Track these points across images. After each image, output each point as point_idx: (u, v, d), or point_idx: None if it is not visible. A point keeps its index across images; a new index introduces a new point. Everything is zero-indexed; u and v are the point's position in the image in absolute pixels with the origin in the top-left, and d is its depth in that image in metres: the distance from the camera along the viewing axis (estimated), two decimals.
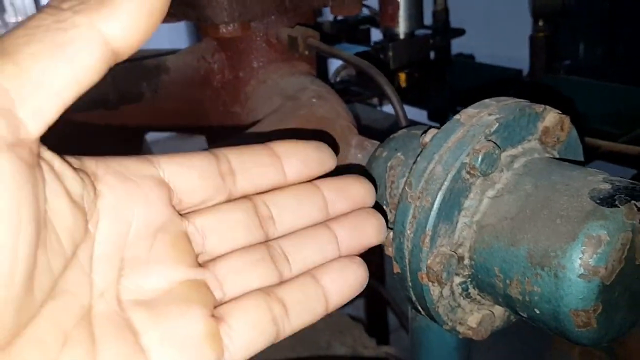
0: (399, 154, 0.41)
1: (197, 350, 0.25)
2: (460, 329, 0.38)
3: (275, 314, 0.28)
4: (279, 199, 0.30)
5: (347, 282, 0.31)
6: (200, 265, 0.27)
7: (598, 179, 0.33)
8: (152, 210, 0.26)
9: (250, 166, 0.29)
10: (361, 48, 0.89)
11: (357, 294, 0.31)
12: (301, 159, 0.31)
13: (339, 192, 0.32)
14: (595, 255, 0.30)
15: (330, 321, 0.83)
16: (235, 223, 0.28)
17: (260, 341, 0.27)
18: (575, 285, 0.31)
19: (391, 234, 0.38)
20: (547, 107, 0.37)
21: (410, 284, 0.37)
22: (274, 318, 0.28)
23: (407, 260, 0.36)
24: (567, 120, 0.38)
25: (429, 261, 0.35)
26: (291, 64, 0.59)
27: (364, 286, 0.31)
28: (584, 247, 0.31)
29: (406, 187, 0.36)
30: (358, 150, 0.48)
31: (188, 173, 0.27)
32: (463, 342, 0.46)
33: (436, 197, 0.34)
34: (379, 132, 0.50)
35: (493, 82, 0.88)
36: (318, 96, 0.52)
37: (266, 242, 0.30)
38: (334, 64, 1.05)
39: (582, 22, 0.96)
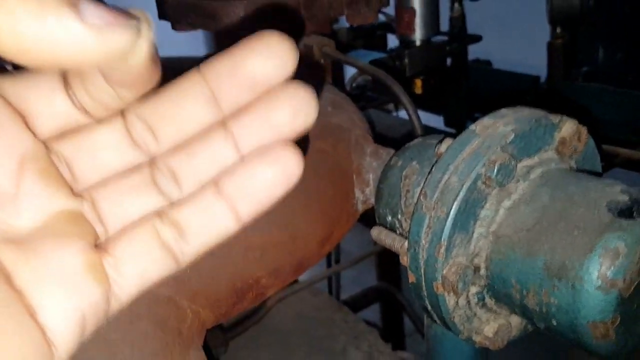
0: (414, 163, 0.41)
1: (78, 284, 0.23)
2: (476, 338, 0.38)
3: (167, 238, 0.25)
4: (154, 106, 0.25)
5: (257, 184, 0.25)
6: (75, 195, 0.24)
7: (616, 191, 0.33)
8: (10, 137, 0.22)
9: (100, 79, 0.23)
10: (377, 54, 0.89)
11: (280, 192, 0.25)
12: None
13: (229, 75, 0.24)
14: (613, 268, 0.30)
15: (346, 327, 0.83)
16: (102, 145, 0.24)
17: (154, 270, 0.25)
18: (593, 297, 0.31)
19: (406, 243, 0.38)
20: (564, 117, 0.37)
21: (425, 293, 0.37)
22: (166, 242, 0.25)
23: (422, 270, 0.36)
24: (584, 130, 0.37)
25: (444, 271, 0.35)
26: (306, 72, 0.60)
27: (292, 178, 0.24)
28: (601, 260, 0.30)
29: (421, 197, 0.36)
30: (373, 159, 0.48)
31: (38, 95, 0.23)
32: (479, 351, 0.46)
33: (451, 207, 0.34)
34: (394, 139, 0.50)
35: (511, 89, 0.87)
36: (333, 105, 0.52)
37: (151, 161, 0.25)
38: (350, 70, 1.05)
39: (601, 28, 0.95)
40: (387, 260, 1.34)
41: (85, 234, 0.24)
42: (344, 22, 1.11)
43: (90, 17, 0.19)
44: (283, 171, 0.24)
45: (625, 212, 0.31)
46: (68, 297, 0.23)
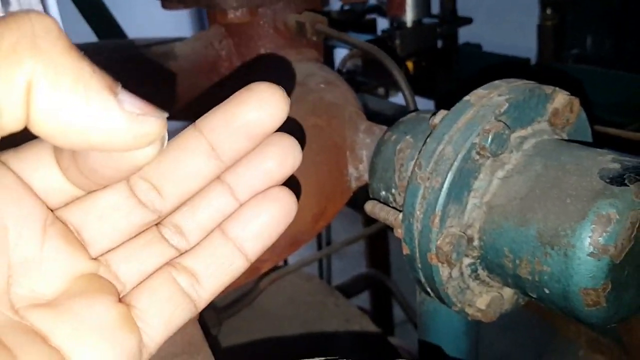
0: (408, 137, 0.41)
1: (114, 336, 0.24)
2: (469, 310, 0.38)
3: (185, 285, 0.26)
4: (156, 165, 0.25)
5: (260, 223, 0.27)
6: (92, 259, 0.25)
7: (607, 159, 0.33)
8: (29, 206, 0.23)
9: None
10: (368, 37, 0.89)
11: (281, 228, 0.27)
12: None
13: (225, 128, 0.25)
14: (604, 234, 0.31)
15: (337, 311, 0.83)
16: (109, 209, 0.25)
17: (178, 315, 0.26)
18: (585, 264, 0.31)
19: (400, 215, 0.38)
20: (557, 88, 0.37)
21: (419, 265, 0.37)
22: (184, 289, 0.26)
23: (416, 242, 0.36)
24: (576, 102, 0.38)
25: (438, 242, 0.35)
26: (298, 50, 0.60)
27: (290, 215, 0.27)
28: (593, 226, 0.31)
29: (416, 168, 0.36)
30: (366, 135, 0.48)
31: (43, 170, 0.24)
32: (471, 326, 0.46)
33: (446, 177, 0.34)
34: (386, 120, 0.50)
35: (501, 69, 0.87)
36: (326, 82, 0.52)
37: (158, 220, 0.27)
38: (340, 55, 1.04)
39: (591, 10, 0.96)
40: (377, 247, 1.34)
41: (110, 290, 0.25)
42: (333, 5, 1.10)
43: (127, 104, 0.20)
44: (282, 209, 0.27)
45: (617, 180, 0.31)
46: (108, 349, 0.23)
